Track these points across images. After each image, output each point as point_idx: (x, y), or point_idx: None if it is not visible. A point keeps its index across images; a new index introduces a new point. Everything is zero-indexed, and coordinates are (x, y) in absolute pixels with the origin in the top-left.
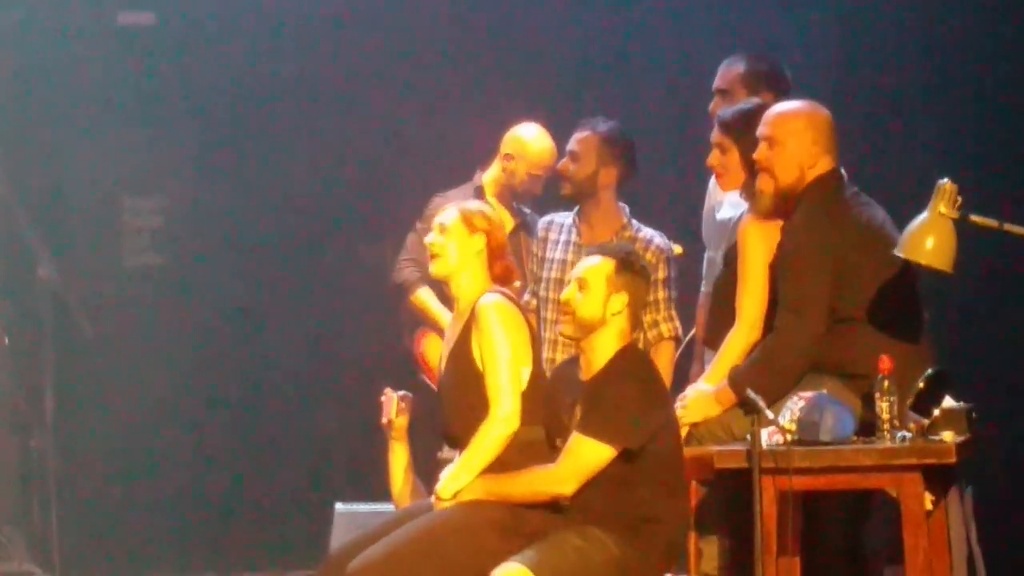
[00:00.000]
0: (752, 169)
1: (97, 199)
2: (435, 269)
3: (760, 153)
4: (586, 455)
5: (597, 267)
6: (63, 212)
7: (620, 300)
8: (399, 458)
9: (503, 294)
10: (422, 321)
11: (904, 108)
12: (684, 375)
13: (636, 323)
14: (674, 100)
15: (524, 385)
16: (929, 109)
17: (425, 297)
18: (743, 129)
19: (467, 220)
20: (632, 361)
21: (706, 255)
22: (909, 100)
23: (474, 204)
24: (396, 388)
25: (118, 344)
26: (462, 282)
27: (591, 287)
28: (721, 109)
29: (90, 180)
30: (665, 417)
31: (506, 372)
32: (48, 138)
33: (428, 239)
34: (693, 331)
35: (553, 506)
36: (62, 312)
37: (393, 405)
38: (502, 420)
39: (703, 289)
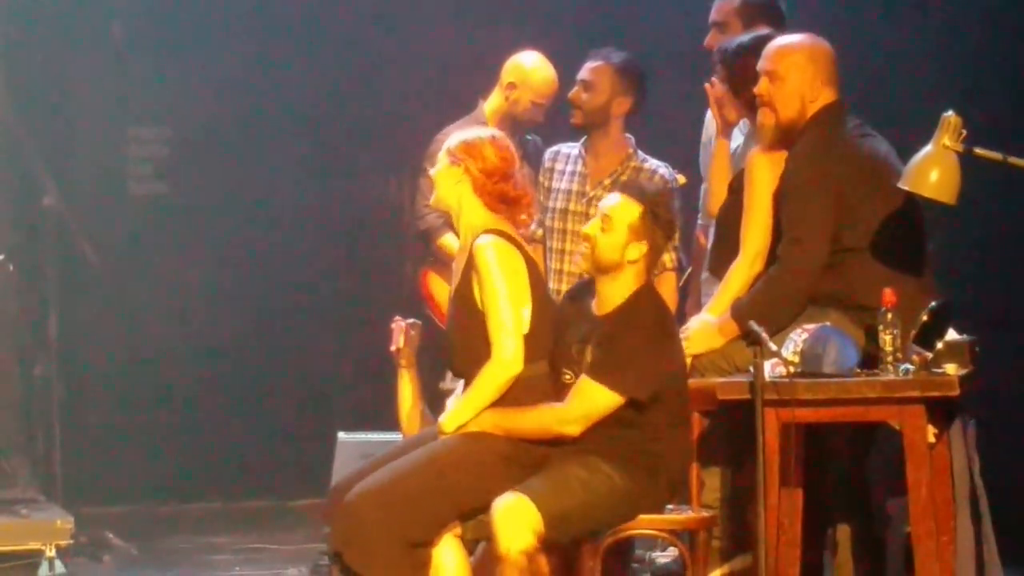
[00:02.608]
0: (750, 104)
1: (103, 129)
2: (432, 201)
3: (761, 87)
4: (595, 400)
5: (624, 209)
6: (69, 141)
7: (639, 249)
8: (407, 386)
9: (499, 232)
10: (429, 255)
11: (907, 39)
12: (680, 310)
13: (652, 268)
14: (677, 30)
15: (527, 325)
16: (932, 40)
17: (450, 241)
18: (726, 67)
19: (450, 151)
20: (647, 305)
21: (703, 187)
22: (912, 31)
23: (461, 134)
24: (401, 317)
25: (122, 273)
26: (458, 213)
27: (614, 229)
28: (718, 42)
29: (96, 110)
30: (676, 364)
31: (507, 315)
32: (55, 67)
33: (432, 172)
34: (689, 270)
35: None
36: (67, 240)
37: (402, 333)
38: (504, 364)
39: (699, 222)
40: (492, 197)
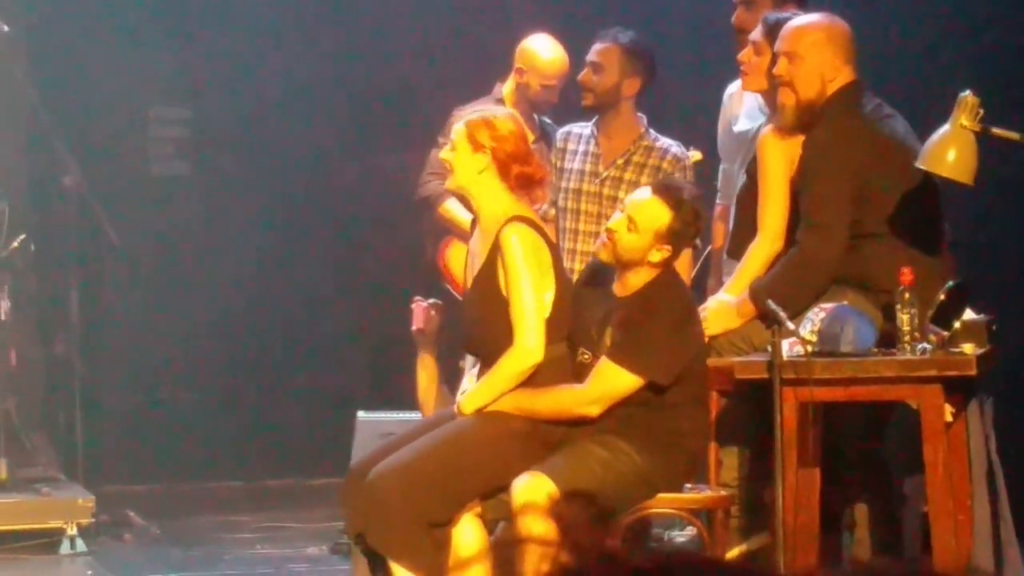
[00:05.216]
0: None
1: (124, 109)
2: (448, 184)
3: (780, 68)
4: (615, 382)
5: (652, 213)
6: (90, 121)
7: (661, 254)
8: (427, 366)
9: (524, 219)
10: (449, 232)
11: (924, 19)
12: (701, 288)
13: (672, 263)
14: (692, 9)
15: (548, 309)
16: (950, 20)
17: (452, 208)
18: (771, 38)
19: (471, 137)
20: (669, 289)
21: (721, 168)
22: (929, 11)
23: (482, 114)
24: (422, 298)
25: (143, 252)
26: (480, 198)
27: (640, 231)
28: (745, 21)
29: (117, 90)
30: (696, 347)
31: (531, 305)
32: (76, 47)
33: (442, 153)
34: (710, 246)
35: None
36: (88, 220)
37: (423, 313)
38: (526, 352)
39: (718, 202)
40: (515, 180)
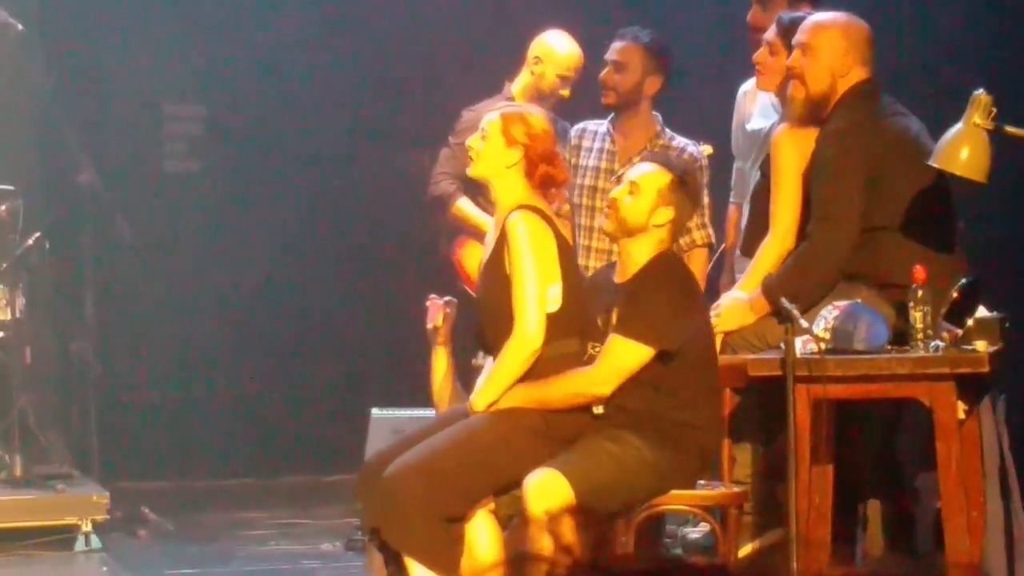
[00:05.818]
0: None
1: (138, 106)
2: (471, 171)
3: (793, 60)
4: (624, 356)
5: (653, 175)
6: (104, 119)
7: (665, 214)
8: (442, 363)
9: (533, 208)
10: (462, 230)
11: (940, 17)
12: (715, 286)
13: (675, 238)
14: (705, 6)
15: (558, 301)
16: (966, 17)
17: (464, 206)
18: (785, 37)
19: (506, 131)
20: (669, 266)
21: (735, 166)
22: (943, 11)
23: (518, 109)
24: (437, 295)
25: (157, 249)
26: (500, 191)
27: (642, 193)
28: (760, 19)
29: (131, 87)
30: (700, 321)
31: (532, 290)
32: (90, 45)
33: (469, 140)
34: (723, 245)
35: (587, 412)
36: (103, 217)
37: (439, 311)
38: (526, 338)
39: (731, 201)
40: (539, 179)
